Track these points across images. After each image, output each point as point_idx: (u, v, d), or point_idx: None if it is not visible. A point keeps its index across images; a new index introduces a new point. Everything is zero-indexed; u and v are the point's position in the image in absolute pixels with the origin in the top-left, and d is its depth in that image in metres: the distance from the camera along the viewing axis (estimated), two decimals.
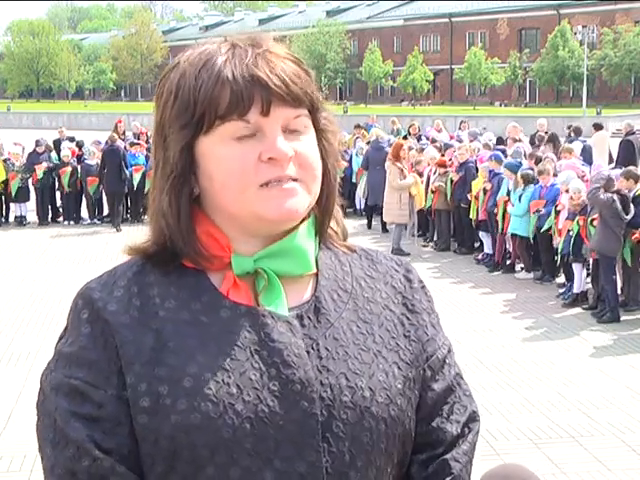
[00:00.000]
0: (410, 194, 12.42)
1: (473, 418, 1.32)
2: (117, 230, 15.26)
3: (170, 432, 1.12)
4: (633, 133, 16.25)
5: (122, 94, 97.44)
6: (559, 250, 9.86)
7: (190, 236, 1.20)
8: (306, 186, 1.20)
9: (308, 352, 1.19)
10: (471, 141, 15.38)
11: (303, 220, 1.24)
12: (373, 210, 15.00)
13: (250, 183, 1.17)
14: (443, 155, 13.65)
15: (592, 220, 8.87)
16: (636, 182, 9.10)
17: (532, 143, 15.82)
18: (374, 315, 1.28)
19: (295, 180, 1.18)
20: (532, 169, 11.38)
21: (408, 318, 1.31)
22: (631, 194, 8.99)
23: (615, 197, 8.66)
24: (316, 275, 1.27)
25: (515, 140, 14.75)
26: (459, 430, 1.29)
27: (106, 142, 16.02)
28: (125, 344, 1.16)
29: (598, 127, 17.77)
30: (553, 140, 14.85)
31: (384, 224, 14.24)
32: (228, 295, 1.20)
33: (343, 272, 1.30)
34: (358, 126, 18.59)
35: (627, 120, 18.58)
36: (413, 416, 1.26)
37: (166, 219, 1.20)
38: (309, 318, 1.22)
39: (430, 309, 1.34)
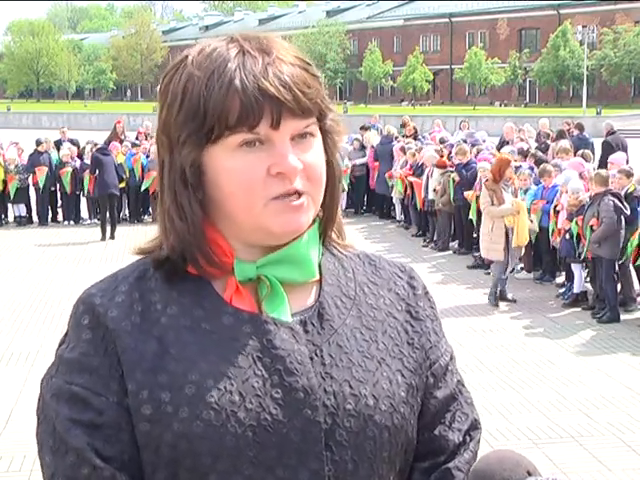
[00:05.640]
0: (505, 225, 9.42)
1: (475, 426, 1.30)
2: (103, 239, 14.42)
3: (172, 440, 1.11)
4: (613, 133, 16.15)
5: (127, 94, 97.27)
6: (557, 250, 9.86)
7: (202, 241, 1.18)
8: (312, 199, 1.18)
9: (312, 358, 1.18)
10: (473, 146, 15.15)
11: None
12: (383, 200, 16.41)
13: (258, 197, 1.14)
14: (442, 156, 13.62)
15: (592, 225, 8.84)
16: (628, 178, 9.16)
17: (537, 142, 15.79)
18: (378, 322, 1.26)
19: (302, 194, 1.16)
20: (532, 168, 11.40)
21: (412, 325, 1.29)
22: (623, 191, 9.00)
23: (620, 214, 8.64)
24: (319, 281, 1.25)
25: (521, 139, 14.73)
26: (461, 438, 1.28)
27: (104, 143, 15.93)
28: (127, 351, 1.15)
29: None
30: (562, 137, 14.85)
31: (382, 212, 16.16)
32: (231, 301, 1.19)
33: (346, 278, 1.28)
34: (363, 127, 18.09)
35: (608, 120, 18.25)
36: (415, 424, 1.25)
37: (181, 222, 1.17)
38: (312, 324, 1.21)
39: (433, 315, 1.33)
